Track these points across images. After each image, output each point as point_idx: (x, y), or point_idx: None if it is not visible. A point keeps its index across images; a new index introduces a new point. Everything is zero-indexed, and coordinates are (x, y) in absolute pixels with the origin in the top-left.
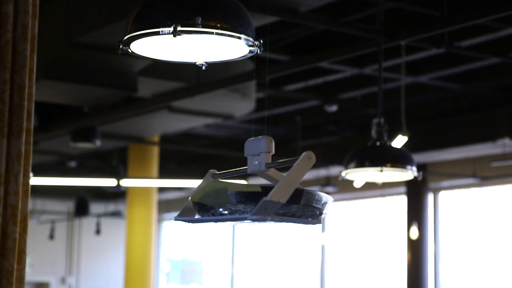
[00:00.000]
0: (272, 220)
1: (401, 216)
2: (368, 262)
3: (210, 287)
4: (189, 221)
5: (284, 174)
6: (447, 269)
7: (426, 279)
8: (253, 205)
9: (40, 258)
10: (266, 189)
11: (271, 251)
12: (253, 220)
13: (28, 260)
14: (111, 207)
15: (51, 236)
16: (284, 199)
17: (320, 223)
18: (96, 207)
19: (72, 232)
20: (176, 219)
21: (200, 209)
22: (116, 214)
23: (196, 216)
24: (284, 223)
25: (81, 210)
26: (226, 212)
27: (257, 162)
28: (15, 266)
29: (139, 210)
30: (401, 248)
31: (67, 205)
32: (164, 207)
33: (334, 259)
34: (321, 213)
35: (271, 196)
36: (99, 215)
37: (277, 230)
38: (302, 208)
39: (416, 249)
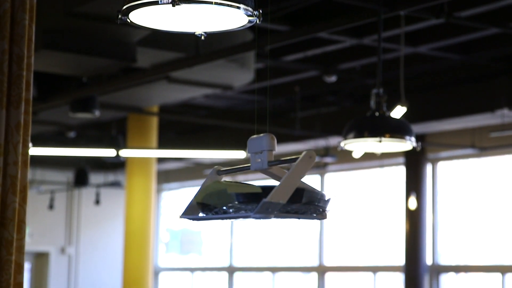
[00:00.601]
0: (276, 217)
1: (400, 186)
2: (366, 233)
3: (210, 257)
4: (194, 219)
5: (287, 171)
6: (445, 239)
7: (424, 249)
8: (254, 205)
9: (39, 228)
10: (266, 190)
11: (270, 221)
12: (257, 218)
13: (27, 230)
14: (111, 177)
15: (51, 206)
16: (284, 200)
17: (325, 218)
18: (95, 178)
19: (71, 202)
20: (181, 217)
21: (204, 208)
22: (116, 184)
23: (200, 215)
24: (288, 219)
25: (81, 180)
26: (230, 210)
27: (259, 160)
28: (15, 236)
29: (139, 180)
30: (399, 219)
31: (67, 176)
32: (163, 177)
33: (333, 230)
34: (324, 210)
35: (270, 197)
36: (98, 186)
37: None
38: (305, 206)
39: (414, 220)
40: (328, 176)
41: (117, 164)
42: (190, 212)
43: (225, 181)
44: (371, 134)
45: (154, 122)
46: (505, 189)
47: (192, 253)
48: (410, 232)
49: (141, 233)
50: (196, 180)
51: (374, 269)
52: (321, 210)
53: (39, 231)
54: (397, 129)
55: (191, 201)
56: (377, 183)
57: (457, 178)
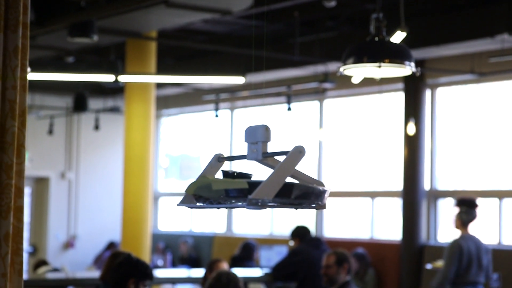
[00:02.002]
0: (272, 207)
1: (398, 112)
2: (365, 158)
3: None
4: (192, 207)
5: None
6: (443, 165)
7: (422, 174)
8: (243, 200)
9: (39, 153)
10: (253, 185)
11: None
12: (251, 209)
13: (27, 155)
14: (110, 102)
15: (50, 132)
16: (269, 196)
17: (324, 208)
18: (94, 103)
19: (71, 127)
20: (179, 205)
21: (198, 199)
22: (115, 109)
23: (198, 204)
24: (284, 209)
25: (80, 105)
26: (224, 202)
27: (255, 150)
28: (14, 160)
29: (138, 105)
30: (398, 144)
31: (66, 101)
32: (163, 103)
33: (332, 155)
34: (319, 202)
35: (255, 194)
36: (97, 111)
37: (277, 126)
38: (298, 200)
39: (412, 145)
40: (327, 102)
41: (116, 90)
42: (188, 201)
43: (211, 177)
44: (370, 59)
45: (152, 47)
46: (504, 115)
47: (191, 179)
48: (409, 158)
49: (140, 159)
50: (195, 105)
51: (373, 195)
52: (316, 202)
53: (39, 156)
54: (396, 54)
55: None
56: (376, 109)
57: (456, 103)
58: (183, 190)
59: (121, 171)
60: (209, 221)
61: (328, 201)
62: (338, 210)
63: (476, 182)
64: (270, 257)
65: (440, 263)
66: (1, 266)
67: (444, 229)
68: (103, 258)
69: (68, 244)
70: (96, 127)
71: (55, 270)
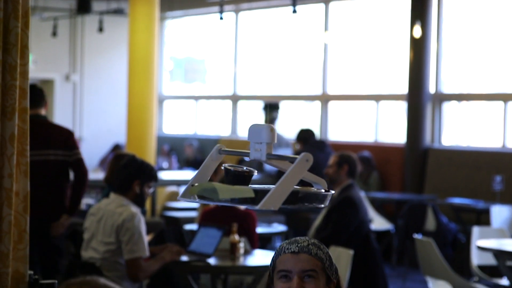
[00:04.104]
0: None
1: (405, 15)
2: (370, 61)
3: (213, 85)
4: (195, 202)
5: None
6: (449, 68)
7: (428, 77)
8: (248, 204)
9: (43, 56)
10: (259, 193)
11: (274, 46)
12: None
13: (31, 57)
14: (113, 4)
15: (54, 34)
16: (276, 207)
17: (326, 205)
18: (98, 5)
19: (75, 29)
20: (179, 199)
21: (202, 198)
22: (119, 12)
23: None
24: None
25: (83, 7)
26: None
27: (259, 150)
28: (18, 61)
29: (142, 7)
30: (403, 47)
31: (69, 3)
32: (167, 5)
33: (337, 58)
34: (322, 205)
35: (262, 205)
36: (101, 13)
37: (282, 29)
38: (303, 204)
39: (418, 48)
40: (333, 4)
41: None
42: (189, 197)
43: (216, 184)
44: None
45: None
46: (510, 18)
47: (196, 82)
48: (414, 61)
49: (145, 61)
50: (200, 8)
51: (377, 98)
52: (319, 204)
53: (43, 58)
54: None
55: (188, 186)
56: (382, 12)
57: (462, 5)
58: (186, 185)
59: (126, 73)
60: (214, 124)
61: (333, 104)
62: (343, 114)
63: (481, 85)
64: None
65: None
66: (7, 166)
67: (449, 132)
68: (108, 160)
69: None
70: (100, 29)
71: None
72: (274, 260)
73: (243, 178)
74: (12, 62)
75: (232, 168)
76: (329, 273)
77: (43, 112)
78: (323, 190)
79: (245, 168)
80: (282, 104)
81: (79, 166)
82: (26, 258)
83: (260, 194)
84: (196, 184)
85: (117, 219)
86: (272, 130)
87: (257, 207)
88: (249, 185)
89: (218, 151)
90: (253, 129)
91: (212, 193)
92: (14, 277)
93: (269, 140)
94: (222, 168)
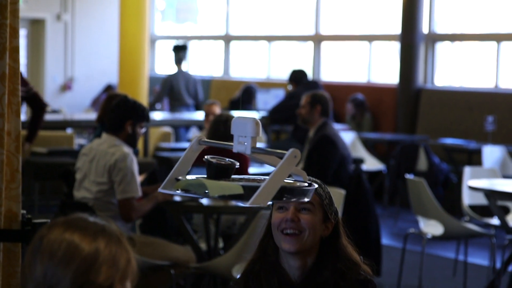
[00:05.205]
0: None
1: None
2: (362, 1)
3: (206, 25)
4: (177, 195)
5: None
6: (442, 8)
7: (421, 18)
8: (236, 200)
9: None
10: (248, 190)
11: None
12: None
13: None
14: None
15: None
16: (265, 203)
17: (309, 199)
18: None
19: None
20: (160, 190)
21: (187, 192)
22: None
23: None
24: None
25: None
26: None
27: (243, 143)
28: (9, 0)
29: None
30: None
31: None
32: None
33: (330, 10)
34: (306, 199)
35: (252, 202)
36: None
37: None
38: (286, 199)
39: None
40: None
41: None
42: (171, 189)
43: (205, 180)
44: None
45: None
46: None
47: (188, 22)
48: (407, 1)
49: (136, 1)
50: None
51: (370, 38)
52: (306, 195)
53: None
54: None
55: (171, 178)
56: None
57: None
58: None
59: (118, 13)
60: (206, 65)
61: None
62: (336, 54)
63: (474, 26)
64: (267, 100)
65: None
66: None
67: (441, 73)
68: (100, 100)
69: (66, 87)
70: None
71: (53, 112)
72: None
73: (226, 171)
74: (3, 1)
75: (214, 161)
76: (328, 211)
77: None
78: (306, 184)
79: (227, 160)
80: (273, 45)
81: (37, 99)
82: (19, 198)
83: (248, 191)
84: (181, 178)
85: (109, 159)
86: (257, 124)
87: (247, 204)
88: (235, 176)
89: (198, 142)
90: (237, 122)
91: (199, 187)
92: (7, 216)
93: (254, 134)
94: (204, 160)
